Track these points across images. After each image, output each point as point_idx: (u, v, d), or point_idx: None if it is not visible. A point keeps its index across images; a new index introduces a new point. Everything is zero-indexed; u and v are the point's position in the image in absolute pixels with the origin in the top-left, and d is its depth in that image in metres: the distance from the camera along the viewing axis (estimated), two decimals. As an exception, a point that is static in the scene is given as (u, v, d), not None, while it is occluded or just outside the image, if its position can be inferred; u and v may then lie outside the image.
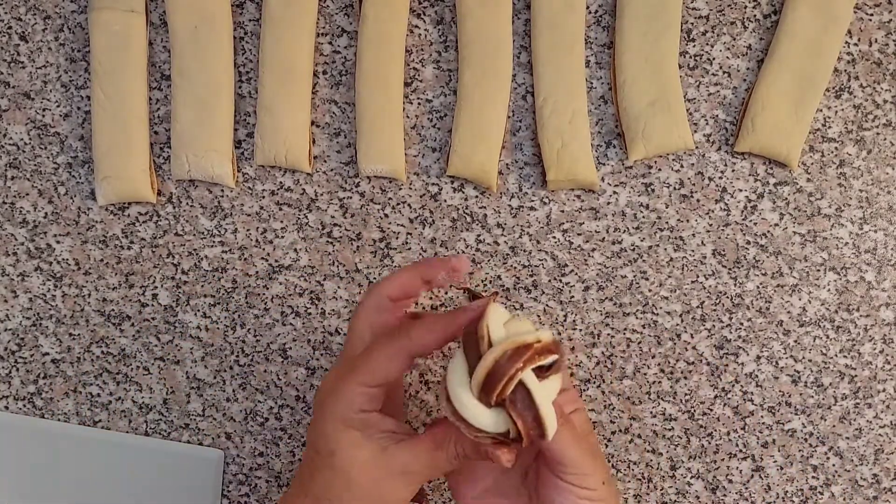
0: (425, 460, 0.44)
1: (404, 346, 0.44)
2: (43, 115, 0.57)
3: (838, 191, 0.57)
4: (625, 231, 0.57)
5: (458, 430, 0.42)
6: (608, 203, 0.57)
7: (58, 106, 0.57)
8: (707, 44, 0.56)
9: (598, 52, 0.57)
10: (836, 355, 0.57)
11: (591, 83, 0.57)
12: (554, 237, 0.57)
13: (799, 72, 0.55)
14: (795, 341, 0.57)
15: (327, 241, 0.57)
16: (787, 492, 0.59)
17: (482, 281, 0.57)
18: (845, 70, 0.56)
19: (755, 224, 0.57)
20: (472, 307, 0.44)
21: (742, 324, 0.57)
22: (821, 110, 0.56)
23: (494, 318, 0.41)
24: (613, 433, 0.58)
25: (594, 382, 0.58)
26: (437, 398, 0.58)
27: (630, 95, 0.55)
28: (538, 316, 0.57)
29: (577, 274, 0.57)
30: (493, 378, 0.39)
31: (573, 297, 0.57)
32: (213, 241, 0.58)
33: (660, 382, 0.58)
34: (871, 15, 0.56)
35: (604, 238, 0.57)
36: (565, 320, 0.57)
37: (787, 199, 0.57)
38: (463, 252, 0.57)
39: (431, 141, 0.57)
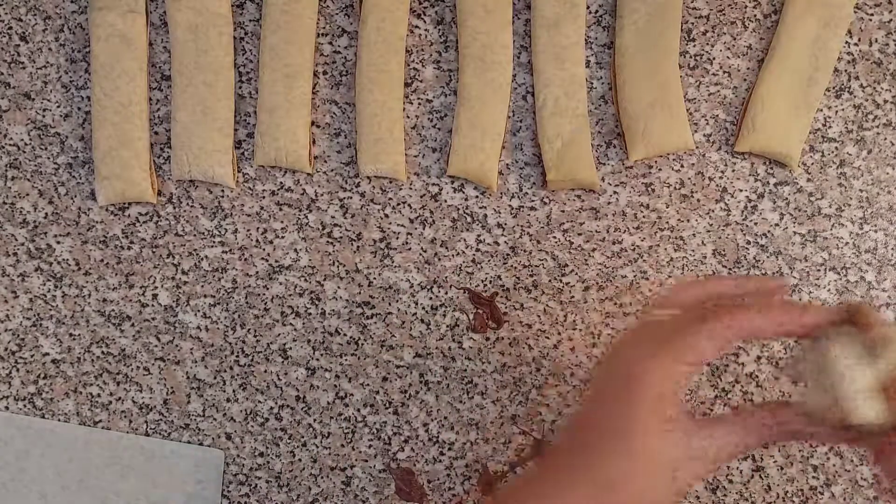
0: (731, 439, 0.41)
1: (732, 328, 0.41)
2: (43, 116, 0.57)
3: (838, 191, 0.57)
4: (625, 231, 0.57)
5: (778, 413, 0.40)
6: (608, 203, 0.57)
7: (58, 106, 0.57)
8: (707, 44, 0.56)
9: (598, 52, 0.57)
10: (836, 355, 0.57)
11: (591, 83, 0.57)
12: (554, 237, 0.57)
13: (799, 72, 0.55)
14: (796, 341, 0.57)
15: (327, 242, 0.57)
16: (787, 492, 0.59)
17: (482, 281, 0.57)
18: (845, 70, 0.56)
19: (755, 224, 0.57)
20: (821, 309, 0.41)
21: (742, 324, 0.57)
22: (821, 110, 0.56)
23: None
24: (614, 433, 0.58)
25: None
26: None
27: (630, 95, 0.55)
28: (538, 316, 0.57)
29: (577, 274, 0.57)
30: None
31: (573, 297, 0.57)
32: (214, 242, 0.58)
33: (660, 382, 0.58)
34: (871, 15, 0.56)
35: (604, 238, 0.57)
36: (565, 320, 0.57)
37: (787, 198, 0.57)
38: (463, 252, 0.57)
39: (431, 141, 0.57)
